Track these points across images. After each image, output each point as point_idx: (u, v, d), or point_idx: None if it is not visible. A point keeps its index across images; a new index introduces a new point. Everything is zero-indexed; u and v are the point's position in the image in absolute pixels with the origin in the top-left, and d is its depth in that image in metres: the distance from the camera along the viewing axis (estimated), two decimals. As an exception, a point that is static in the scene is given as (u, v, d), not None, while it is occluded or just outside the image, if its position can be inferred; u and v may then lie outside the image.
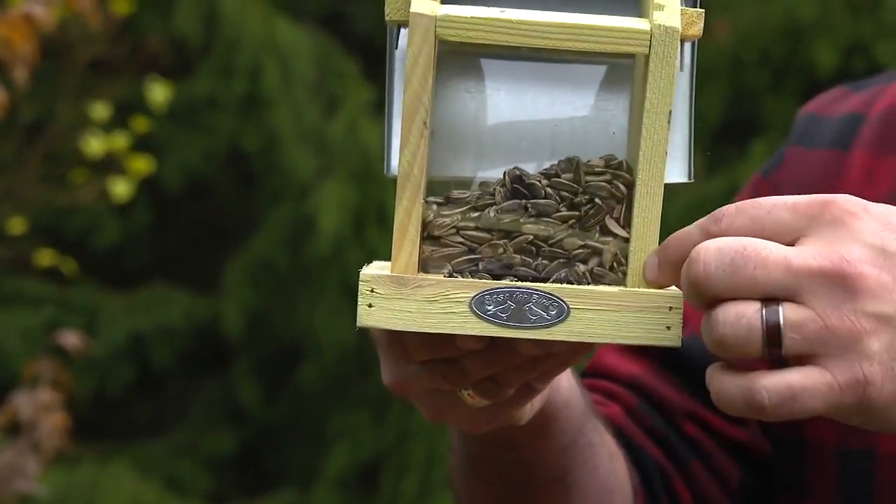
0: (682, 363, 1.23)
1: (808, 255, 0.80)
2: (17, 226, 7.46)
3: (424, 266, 0.88)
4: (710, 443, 1.30)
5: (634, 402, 1.29)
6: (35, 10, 4.18)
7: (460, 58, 0.93)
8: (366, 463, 9.55)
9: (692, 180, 0.96)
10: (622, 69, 0.93)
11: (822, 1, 8.17)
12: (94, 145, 7.08)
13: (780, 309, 0.79)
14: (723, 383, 0.82)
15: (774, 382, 0.79)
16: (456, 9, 0.85)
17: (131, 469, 8.78)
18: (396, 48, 0.96)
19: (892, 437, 1.14)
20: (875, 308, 0.79)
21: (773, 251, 0.80)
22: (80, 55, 7.20)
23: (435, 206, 0.89)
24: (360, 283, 0.86)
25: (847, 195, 0.85)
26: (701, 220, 0.86)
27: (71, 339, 5.14)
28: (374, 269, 0.88)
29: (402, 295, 0.85)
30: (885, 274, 0.79)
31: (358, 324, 0.87)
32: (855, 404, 0.80)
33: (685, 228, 0.86)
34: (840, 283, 0.79)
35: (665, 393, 1.28)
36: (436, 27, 0.84)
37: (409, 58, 0.87)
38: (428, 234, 0.89)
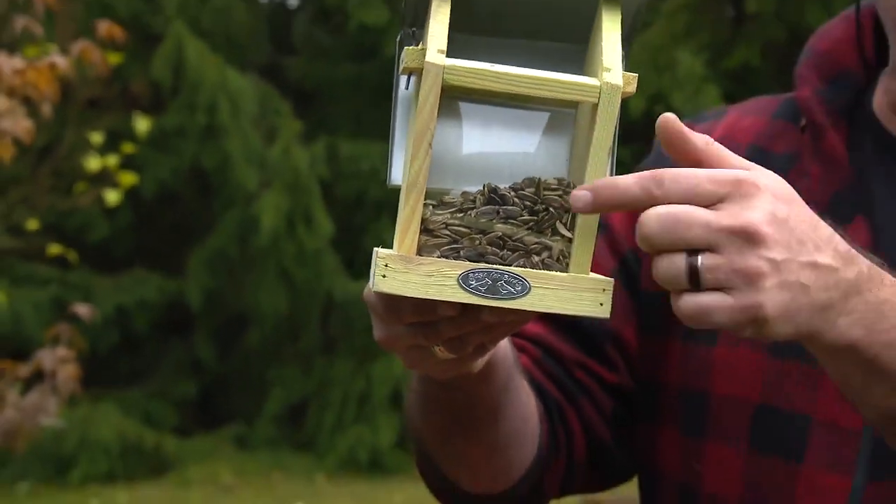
0: (574, 327, 1.36)
1: (723, 217, 0.95)
2: (31, 224, 8.27)
3: (419, 251, 0.98)
4: (592, 384, 1.42)
5: (539, 354, 1.40)
6: (58, 59, 4.42)
7: (452, 102, 1.04)
8: (295, 404, 11.03)
9: None
10: (566, 116, 1.06)
11: (633, 61, 9.51)
12: (92, 163, 7.77)
13: (700, 257, 0.94)
14: (673, 299, 0.95)
15: (693, 299, 0.94)
16: (458, 61, 0.97)
17: (117, 409, 10.27)
18: (407, 89, 1.07)
19: (726, 382, 1.35)
20: (768, 255, 0.95)
21: (698, 215, 0.94)
22: (81, 94, 7.73)
23: (431, 208, 1.00)
24: (376, 258, 0.97)
25: (752, 173, 1.00)
26: (641, 177, 0.96)
27: (83, 309, 5.59)
28: (384, 251, 0.98)
29: (407, 269, 0.96)
30: (776, 231, 0.95)
31: (374, 289, 0.98)
32: (749, 322, 0.95)
33: (624, 178, 0.97)
34: (744, 237, 0.94)
35: (560, 347, 1.39)
36: (444, 74, 0.96)
37: (420, 95, 0.98)
38: (424, 228, 0.99)
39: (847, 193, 1.33)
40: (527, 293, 0.95)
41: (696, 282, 0.93)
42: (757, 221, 0.94)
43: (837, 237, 1.02)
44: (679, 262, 0.93)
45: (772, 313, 0.94)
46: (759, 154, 1.36)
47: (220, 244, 10.77)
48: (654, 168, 1.13)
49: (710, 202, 0.94)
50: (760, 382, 1.30)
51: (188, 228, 11.31)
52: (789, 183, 1.10)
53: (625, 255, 1.44)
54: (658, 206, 0.93)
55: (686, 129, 0.98)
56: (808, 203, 1.11)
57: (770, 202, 0.96)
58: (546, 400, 1.36)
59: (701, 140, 0.99)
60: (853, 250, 1.04)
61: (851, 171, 1.33)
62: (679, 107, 9.78)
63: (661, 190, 0.94)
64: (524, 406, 1.30)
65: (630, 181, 0.95)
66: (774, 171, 1.12)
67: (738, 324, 0.94)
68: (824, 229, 1.02)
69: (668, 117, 0.97)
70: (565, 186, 0.99)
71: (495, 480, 1.33)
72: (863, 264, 1.04)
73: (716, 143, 0.99)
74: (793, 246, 0.97)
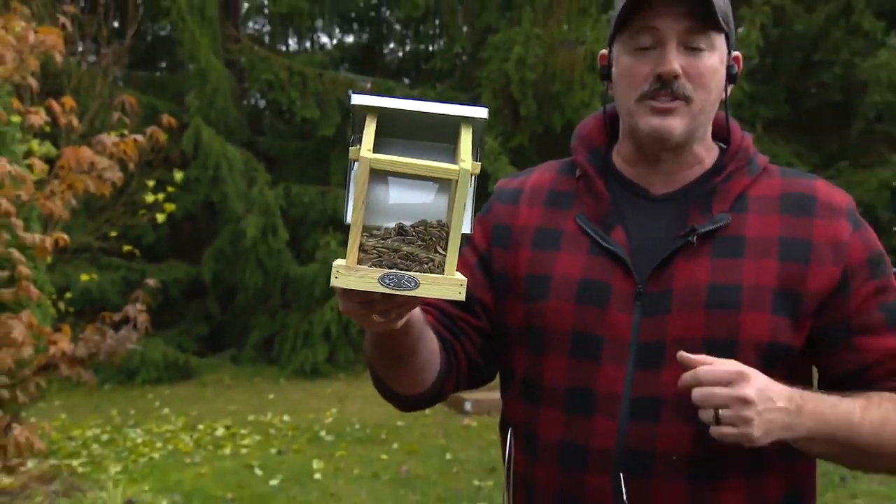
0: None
1: (732, 391, 1.06)
2: (112, 232, 8.75)
3: (358, 262, 0.99)
4: (468, 329, 1.38)
5: (437, 314, 1.36)
6: (139, 137, 4.38)
7: (379, 175, 1.01)
8: (267, 338, 11.58)
9: (471, 231, 1.05)
10: (446, 183, 1.03)
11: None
12: (148, 198, 7.86)
13: (721, 411, 1.07)
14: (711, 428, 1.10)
15: (717, 429, 1.08)
16: (378, 155, 0.99)
17: (162, 341, 10.77)
18: (352, 169, 1.01)
19: (553, 320, 1.31)
20: (755, 409, 1.06)
21: (720, 391, 1.08)
22: (142, 156, 7.07)
23: (365, 236, 1.00)
24: (333, 266, 0.98)
25: (746, 368, 1.12)
26: (695, 374, 1.11)
27: (151, 281, 5.54)
28: (338, 262, 0.99)
29: (349, 273, 0.98)
30: (757, 396, 1.07)
31: (331, 285, 0.98)
32: (745, 439, 1.08)
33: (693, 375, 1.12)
34: (743, 402, 1.06)
35: (449, 310, 1.34)
36: (370, 162, 0.98)
37: (359, 174, 0.98)
38: (361, 248, 1.00)
39: (610, 214, 1.32)
40: (418, 287, 0.99)
41: (717, 421, 1.10)
42: (749, 393, 1.09)
43: (788, 390, 1.15)
44: (710, 412, 1.10)
45: (757, 435, 1.09)
46: (554, 193, 1.40)
47: (221, 245, 11.22)
48: (487, 217, 1.42)
49: (727, 382, 1.09)
50: (572, 318, 1.29)
51: (202, 237, 11.67)
52: (577, 208, 1.34)
53: (482, 255, 1.40)
54: (702, 383, 1.10)
55: (694, 358, 1.13)
56: (589, 219, 1.32)
57: (754, 382, 1.10)
58: (443, 340, 1.35)
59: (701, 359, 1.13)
60: (795, 393, 1.16)
61: (610, 201, 1.33)
62: (486, 168, 9.70)
63: (699, 376, 1.11)
64: (431, 345, 1.29)
65: (690, 378, 1.11)
66: (564, 203, 1.37)
67: (739, 439, 1.10)
68: (782, 389, 1.14)
69: (683, 356, 1.14)
70: (442, 225, 1.01)
71: (415, 387, 1.33)
72: (798, 398, 1.16)
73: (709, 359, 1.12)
74: (767, 402, 1.11)
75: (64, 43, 3.81)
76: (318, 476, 6.18)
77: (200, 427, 7.95)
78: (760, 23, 11.50)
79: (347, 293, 1.01)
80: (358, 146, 1.00)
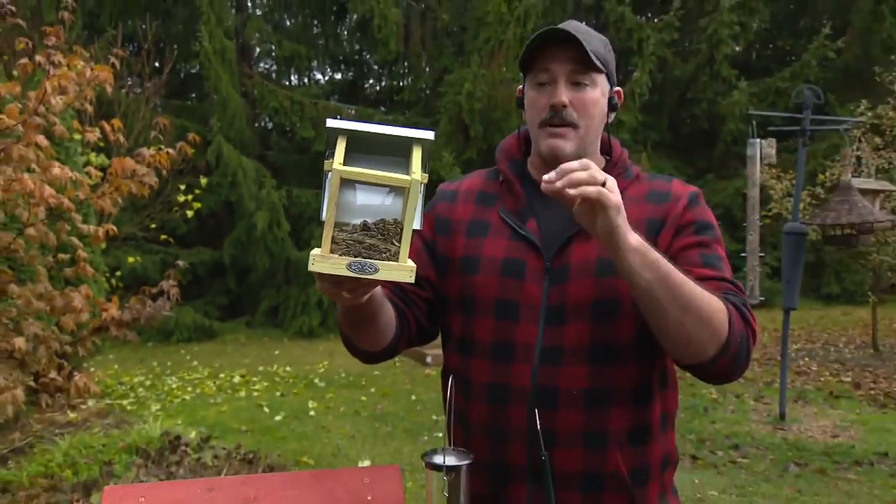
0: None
1: (593, 172, 0.99)
2: (152, 224, 8.75)
3: (331, 252, 0.95)
4: (417, 299, 1.32)
5: (393, 288, 1.28)
6: (171, 151, 4.10)
7: (348, 183, 0.97)
8: (273, 306, 11.42)
9: (420, 227, 1.00)
10: (402, 189, 0.97)
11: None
12: (180, 198, 8.04)
13: (583, 188, 0.98)
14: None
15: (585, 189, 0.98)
16: (347, 167, 0.95)
17: (192, 309, 10.66)
18: (327, 179, 0.96)
19: (482, 290, 1.27)
20: (609, 187, 1.00)
21: (581, 173, 0.99)
22: (176, 166, 6.62)
23: (336, 231, 0.95)
24: (311, 254, 0.94)
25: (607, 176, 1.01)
26: (561, 170, 0.99)
27: (181, 262, 4.99)
28: (315, 251, 0.95)
29: (324, 260, 0.94)
30: (613, 190, 1.00)
31: (309, 269, 0.94)
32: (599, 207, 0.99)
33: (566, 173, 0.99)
34: (598, 180, 0.99)
35: (403, 283, 1.06)
36: (340, 174, 0.94)
37: (332, 182, 0.94)
38: (333, 240, 0.95)
39: (525, 209, 1.29)
40: (378, 272, 0.96)
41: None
42: (602, 176, 1.01)
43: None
44: (576, 190, 1.00)
45: (614, 200, 1.01)
46: (483, 194, 1.36)
47: (237, 235, 11.03)
48: (432, 212, 1.37)
49: (584, 168, 1.01)
50: (497, 289, 1.26)
51: (223, 228, 11.49)
52: (500, 205, 1.31)
53: (428, 241, 1.35)
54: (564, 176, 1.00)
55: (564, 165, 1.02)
56: (509, 213, 1.30)
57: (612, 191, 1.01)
58: (397, 308, 1.28)
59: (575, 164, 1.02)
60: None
61: (525, 200, 1.29)
62: (444, 176, 9.62)
63: (561, 170, 1.01)
64: (388, 313, 1.23)
65: (554, 174, 1.01)
66: (490, 201, 1.33)
67: (599, 197, 1.00)
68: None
69: (547, 176, 1.02)
70: (398, 223, 0.97)
71: (376, 346, 1.27)
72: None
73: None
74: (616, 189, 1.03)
75: (114, 78, 3.75)
76: (312, 413, 6.17)
77: (221, 375, 7.87)
78: (649, 69, 12.00)
79: (322, 276, 0.98)
80: (331, 160, 0.97)
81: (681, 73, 13.06)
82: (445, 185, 1.43)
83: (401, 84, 14.11)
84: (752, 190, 5.62)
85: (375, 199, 1.00)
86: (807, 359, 7.99)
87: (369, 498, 1.25)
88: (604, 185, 0.99)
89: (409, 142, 1.01)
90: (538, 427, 1.18)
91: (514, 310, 1.23)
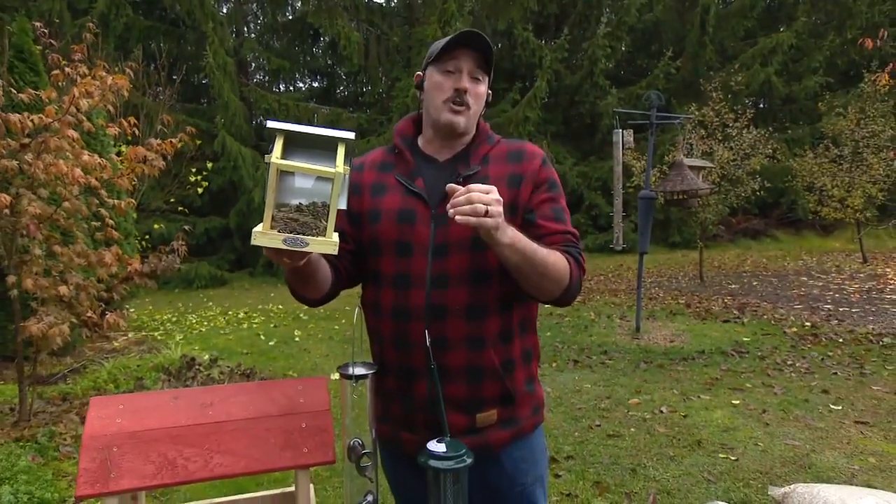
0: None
1: (495, 196, 0.96)
2: (172, 199, 8.29)
3: (271, 228, 0.87)
4: (344, 252, 1.22)
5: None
6: (174, 140, 3.73)
7: (286, 174, 0.90)
8: (270, 261, 11.15)
9: (345, 207, 0.93)
10: (330, 177, 0.89)
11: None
12: (192, 178, 7.70)
13: (489, 207, 0.94)
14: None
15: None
16: (282, 161, 0.87)
17: (207, 265, 10.33)
18: (268, 169, 0.90)
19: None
20: (499, 211, 0.96)
21: (486, 196, 0.96)
22: (188, 154, 6.73)
23: (276, 210, 0.88)
24: (253, 231, 0.87)
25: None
26: (467, 188, 0.97)
27: (188, 227, 4.94)
28: (257, 228, 0.88)
29: (263, 237, 0.87)
30: (496, 207, 0.96)
31: (251, 243, 0.88)
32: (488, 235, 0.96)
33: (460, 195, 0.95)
34: (498, 202, 0.97)
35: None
36: (278, 166, 0.86)
37: (271, 172, 0.87)
38: (273, 218, 0.87)
39: (414, 172, 1.20)
40: (308, 245, 0.88)
41: (486, 214, 0.98)
42: (500, 198, 0.99)
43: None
44: (480, 208, 0.98)
45: (500, 221, 0.98)
46: (382, 163, 1.25)
47: (241, 207, 10.64)
48: (353, 173, 1.25)
49: (487, 192, 0.99)
50: (395, 233, 1.18)
51: (228, 202, 10.98)
52: (396, 170, 1.23)
53: (350, 213, 1.23)
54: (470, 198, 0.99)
55: (459, 187, 1.00)
56: (402, 175, 1.20)
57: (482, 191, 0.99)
58: (330, 262, 1.19)
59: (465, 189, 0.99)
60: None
61: (414, 165, 1.21)
62: None
63: (470, 191, 0.99)
64: (325, 269, 1.15)
65: (463, 197, 0.99)
66: (388, 168, 1.24)
67: (493, 225, 0.98)
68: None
69: (452, 186, 1.02)
70: (325, 205, 0.90)
71: (317, 294, 1.18)
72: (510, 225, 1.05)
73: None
74: (502, 209, 1.00)
75: (131, 85, 3.55)
76: (297, 339, 5.98)
77: (230, 313, 7.62)
78: (547, 78, 11.82)
79: (268, 249, 0.92)
80: (271, 154, 0.90)
81: (570, 82, 13.08)
82: (358, 159, 1.34)
83: (363, 90, 13.90)
84: (616, 167, 5.60)
85: (308, 185, 0.93)
86: (656, 288, 8.07)
87: (301, 401, 1.21)
88: (486, 214, 0.97)
89: (335, 140, 0.94)
90: (427, 341, 1.15)
91: (408, 248, 1.18)
